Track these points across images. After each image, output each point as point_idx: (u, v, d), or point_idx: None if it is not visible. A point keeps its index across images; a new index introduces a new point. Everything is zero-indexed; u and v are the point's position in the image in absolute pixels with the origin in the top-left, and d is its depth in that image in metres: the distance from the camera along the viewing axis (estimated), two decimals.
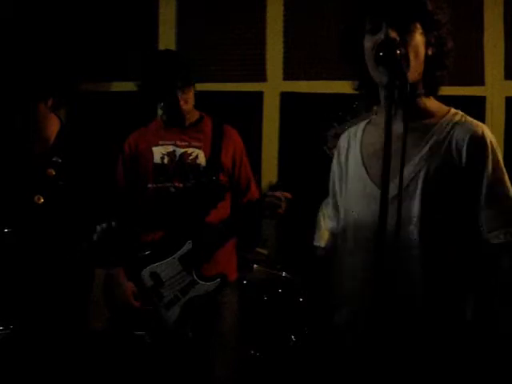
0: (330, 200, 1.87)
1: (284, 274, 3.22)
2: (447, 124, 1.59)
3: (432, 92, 1.63)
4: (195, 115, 2.80)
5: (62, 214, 2.12)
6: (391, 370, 1.45)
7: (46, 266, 2.11)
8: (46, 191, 2.12)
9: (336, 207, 1.83)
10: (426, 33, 1.53)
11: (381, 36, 1.48)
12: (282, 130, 3.91)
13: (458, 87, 3.79)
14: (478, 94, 3.80)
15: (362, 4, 1.57)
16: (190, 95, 2.70)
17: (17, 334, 2.05)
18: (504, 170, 1.56)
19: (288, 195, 2.60)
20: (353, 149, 1.74)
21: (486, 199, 1.53)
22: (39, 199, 2.11)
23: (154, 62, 2.73)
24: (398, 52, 1.40)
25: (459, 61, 3.84)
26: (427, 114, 1.63)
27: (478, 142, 1.54)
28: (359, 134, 1.76)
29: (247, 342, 3.06)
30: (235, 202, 2.79)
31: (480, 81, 3.79)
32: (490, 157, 1.54)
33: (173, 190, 2.66)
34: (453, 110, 1.64)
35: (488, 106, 3.80)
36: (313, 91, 3.83)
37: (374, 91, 1.62)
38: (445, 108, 1.66)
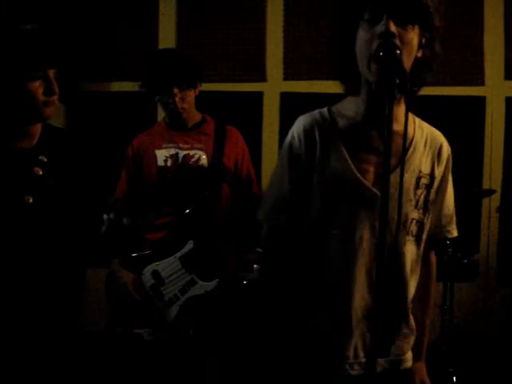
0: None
1: None
2: (422, 130, 1.62)
3: (415, 94, 1.58)
4: (197, 117, 2.80)
5: (51, 214, 2.11)
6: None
7: (37, 266, 2.11)
8: (34, 190, 2.11)
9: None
10: (421, 33, 1.49)
11: (381, 28, 1.43)
12: (281, 130, 3.91)
13: (458, 87, 3.80)
14: (478, 94, 3.80)
15: None
16: (189, 95, 2.68)
17: (8, 336, 2.04)
18: None
19: None
20: (332, 144, 1.64)
21: (445, 200, 1.67)
22: (28, 199, 2.10)
23: (155, 58, 2.74)
24: (398, 52, 1.38)
25: (459, 61, 3.87)
26: (401, 117, 1.52)
27: (446, 151, 1.64)
28: (330, 125, 1.68)
29: (246, 342, 3.06)
30: (236, 202, 2.80)
31: (480, 81, 3.79)
32: (450, 166, 1.65)
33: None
34: (415, 117, 1.64)
35: (488, 105, 3.80)
36: (313, 91, 3.83)
37: (355, 82, 1.57)
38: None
